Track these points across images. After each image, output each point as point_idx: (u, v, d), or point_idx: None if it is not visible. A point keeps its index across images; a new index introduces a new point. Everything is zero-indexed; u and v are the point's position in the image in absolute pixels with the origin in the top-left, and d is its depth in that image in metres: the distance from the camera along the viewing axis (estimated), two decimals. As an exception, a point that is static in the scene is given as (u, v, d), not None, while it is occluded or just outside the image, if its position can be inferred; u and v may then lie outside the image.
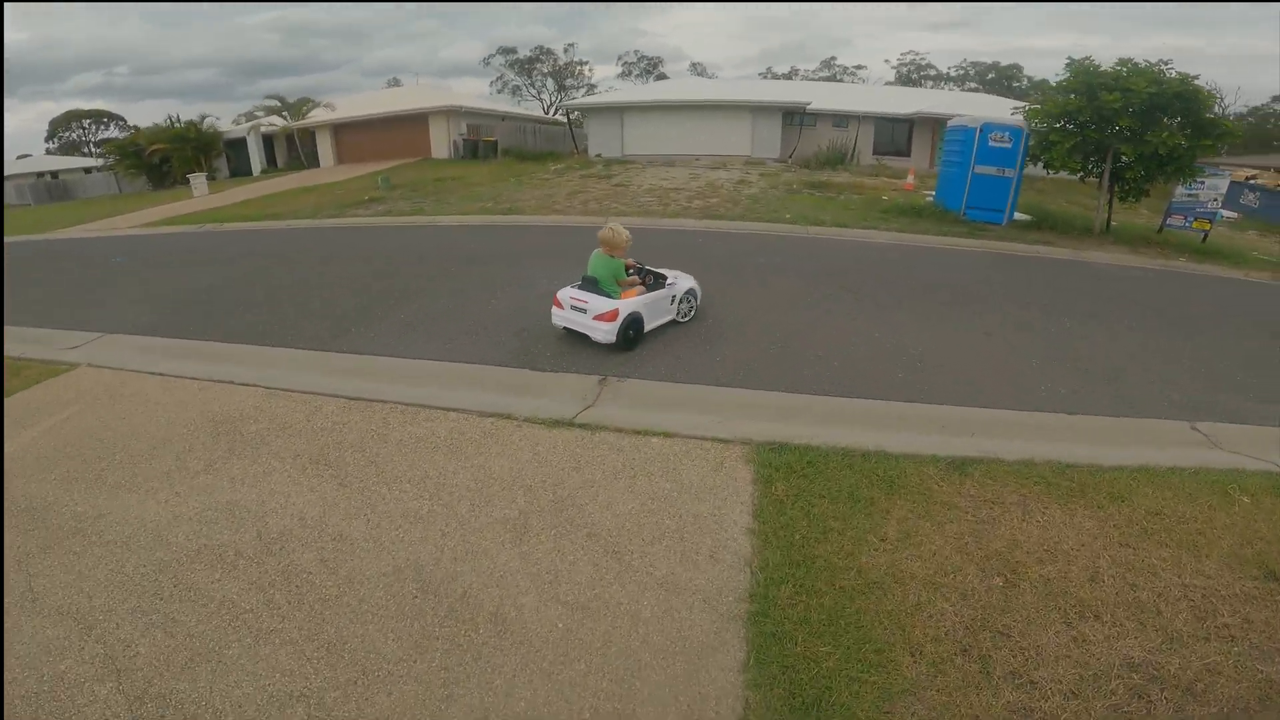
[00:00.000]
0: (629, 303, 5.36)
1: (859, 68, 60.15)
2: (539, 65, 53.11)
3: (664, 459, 3.86)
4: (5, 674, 2.48)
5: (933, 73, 57.60)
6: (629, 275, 5.66)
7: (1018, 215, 12.94)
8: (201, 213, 16.25)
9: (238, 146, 30.69)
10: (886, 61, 72.01)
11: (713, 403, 4.65)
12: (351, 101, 31.90)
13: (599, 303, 5.27)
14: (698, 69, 59.71)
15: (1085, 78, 11.20)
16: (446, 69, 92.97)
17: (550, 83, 53.36)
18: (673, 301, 5.95)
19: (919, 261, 9.33)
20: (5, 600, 2.84)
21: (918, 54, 60.97)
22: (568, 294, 5.48)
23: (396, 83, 55.34)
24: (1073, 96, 11.43)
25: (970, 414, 4.58)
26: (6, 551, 3.15)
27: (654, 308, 5.69)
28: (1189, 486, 3.65)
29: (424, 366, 5.37)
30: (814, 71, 59.60)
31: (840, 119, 25.92)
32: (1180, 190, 12.45)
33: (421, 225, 12.44)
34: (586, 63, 54.90)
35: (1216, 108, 10.69)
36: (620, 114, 24.48)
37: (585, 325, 5.35)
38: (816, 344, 5.80)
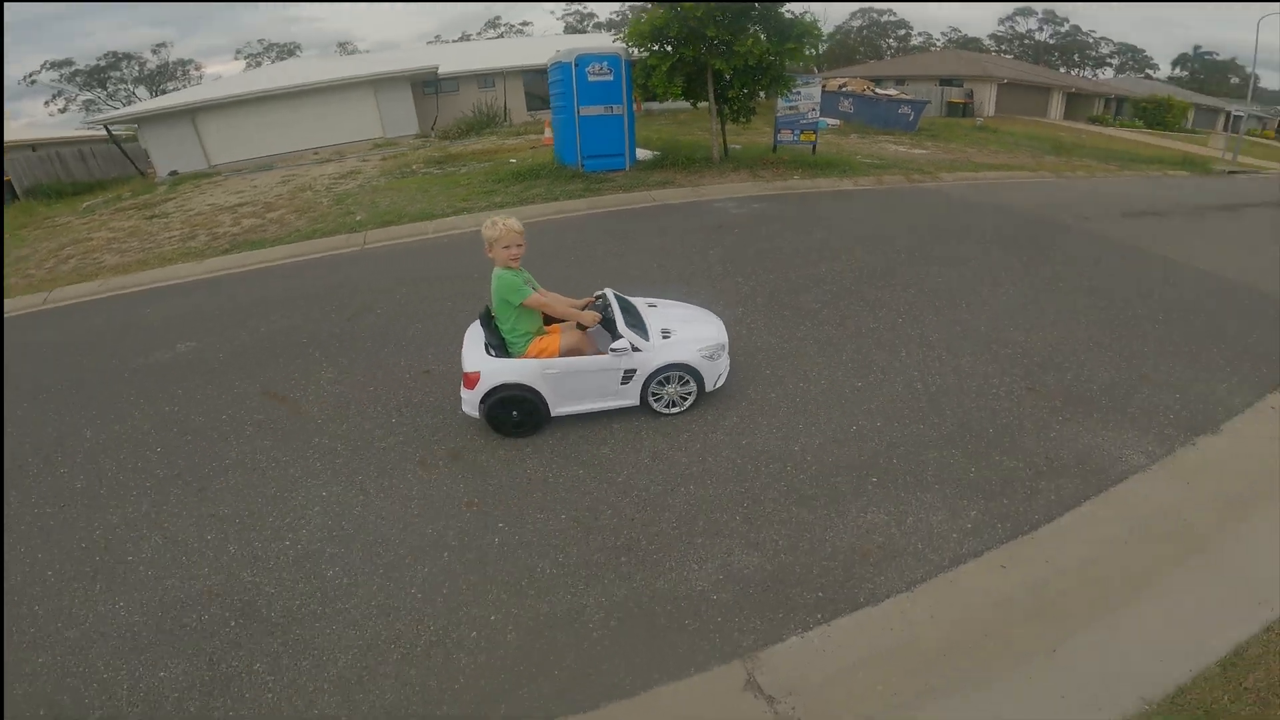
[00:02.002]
0: (506, 366, 3.18)
1: (525, 24, 57.12)
2: (114, 74, 40.10)
3: None
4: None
5: (597, 20, 56.81)
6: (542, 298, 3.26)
7: (641, 154, 11.06)
8: None
9: None
10: (552, 14, 69.72)
11: None
12: None
13: (469, 353, 3.27)
14: (348, 49, 51.19)
15: None
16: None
17: (143, 91, 40.79)
18: (628, 379, 3.33)
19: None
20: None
21: (581, 4, 59.51)
22: (469, 329, 3.48)
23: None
24: (661, 10, 9.65)
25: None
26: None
27: (575, 381, 3.28)
28: None
29: None
30: (478, 34, 55.11)
31: (486, 79, 22.60)
32: (781, 104, 11.71)
33: None
34: (191, 61, 43.34)
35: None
36: (192, 117, 18.07)
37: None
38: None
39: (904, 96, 20.33)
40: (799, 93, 11.63)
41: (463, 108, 19.83)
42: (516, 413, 3.22)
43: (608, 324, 3.27)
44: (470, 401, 3.23)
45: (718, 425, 3.29)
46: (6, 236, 11.74)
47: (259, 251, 7.73)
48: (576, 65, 9.81)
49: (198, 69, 43.35)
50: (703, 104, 10.47)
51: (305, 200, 10.65)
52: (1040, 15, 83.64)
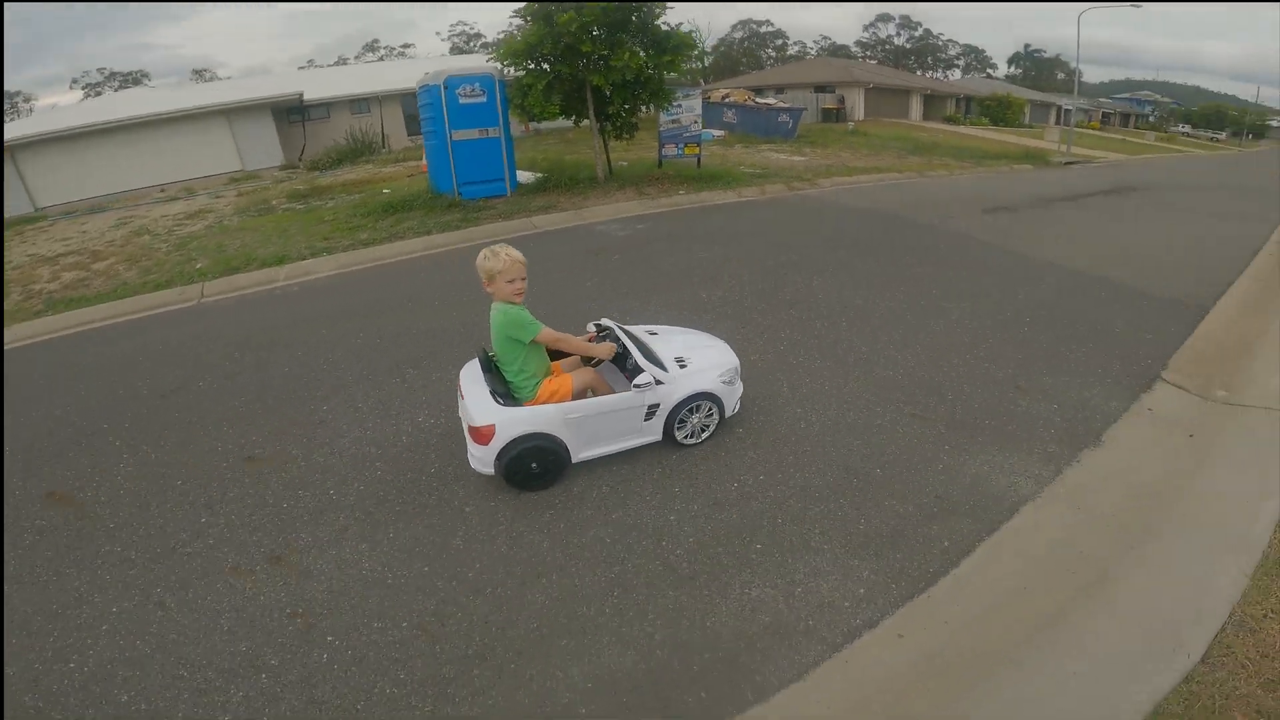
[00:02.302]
0: (525, 415, 2.77)
1: (406, 46, 54.84)
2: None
3: None
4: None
5: (485, 40, 55.43)
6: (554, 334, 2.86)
7: (524, 177, 10.57)
8: None
9: None
10: (438, 34, 67.34)
11: None
12: None
13: (475, 404, 2.78)
14: (205, 76, 47.00)
15: (544, 2, 9.01)
16: None
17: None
18: (651, 415, 2.99)
19: (357, 294, 5.96)
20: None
21: (468, 24, 57.96)
22: (462, 374, 3.02)
23: None
24: (533, 27, 9.23)
25: None
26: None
27: (597, 423, 2.90)
28: None
29: None
30: (356, 58, 52.35)
31: (360, 103, 21.26)
32: (663, 118, 11.61)
33: None
34: (20, 94, 38.21)
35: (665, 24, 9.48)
36: (11, 155, 15.68)
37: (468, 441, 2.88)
38: None
39: (782, 105, 21.08)
40: (680, 105, 11.57)
41: (335, 135, 18.48)
42: (536, 465, 2.85)
43: (616, 359, 3.07)
44: (483, 459, 2.81)
45: (585, 498, 2.88)
46: None
47: (76, 312, 6.52)
48: (446, 88, 9.19)
49: (27, 101, 38.22)
50: (586, 122, 10.15)
51: (140, 246, 9.30)
52: (898, 20, 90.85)
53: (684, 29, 9.63)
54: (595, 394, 2.94)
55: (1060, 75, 77.97)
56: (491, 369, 2.92)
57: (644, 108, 10.68)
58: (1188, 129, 66.10)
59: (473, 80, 9.35)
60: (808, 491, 2.87)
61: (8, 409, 4.21)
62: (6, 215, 14.94)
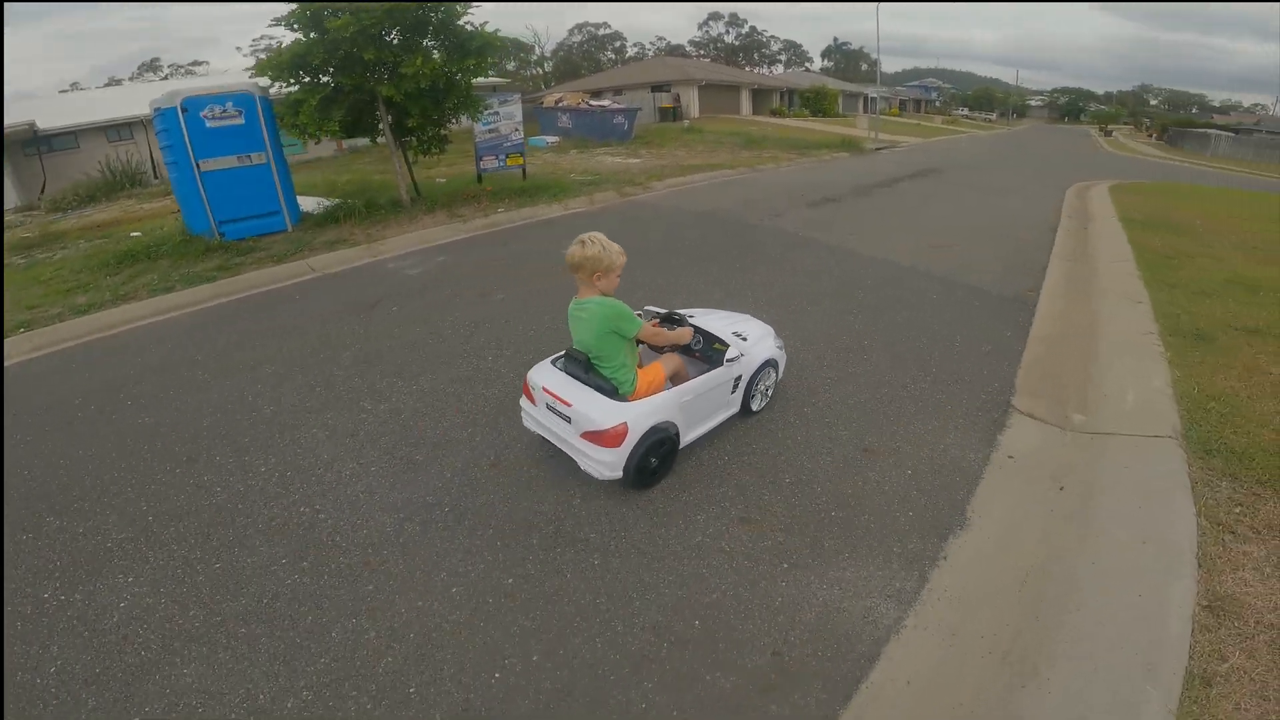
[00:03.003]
0: (649, 406, 2.55)
1: (196, 64, 47.72)
2: None
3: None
4: None
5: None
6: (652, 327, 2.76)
7: (308, 206, 8.75)
8: None
9: None
10: (239, 49, 59.13)
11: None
12: None
13: (591, 406, 2.52)
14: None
15: (312, 6, 7.32)
16: None
17: None
18: (736, 387, 2.99)
19: (41, 396, 4.14)
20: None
21: (272, 39, 51.46)
22: (540, 378, 2.72)
23: None
24: (300, 36, 7.55)
25: None
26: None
27: (701, 403, 2.81)
28: None
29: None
30: (133, 78, 44.73)
31: (121, 129, 17.57)
32: (479, 128, 10.32)
33: None
34: None
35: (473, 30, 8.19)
36: None
37: (567, 444, 2.64)
38: None
39: (617, 106, 20.47)
40: (497, 113, 10.36)
41: (86, 168, 14.97)
42: (655, 459, 2.63)
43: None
44: (614, 463, 2.50)
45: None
46: None
47: None
48: (184, 110, 7.25)
49: None
50: (384, 139, 8.61)
51: None
52: (727, 18, 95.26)
53: (488, 28, 8.40)
54: (680, 378, 2.80)
55: (864, 66, 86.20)
56: (578, 369, 2.64)
57: (455, 118, 9.33)
58: (966, 111, 75.86)
59: (222, 100, 7.49)
60: (606, 665, 1.90)
61: None
62: None
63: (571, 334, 2.68)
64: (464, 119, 9.60)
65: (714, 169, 12.87)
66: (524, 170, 10.76)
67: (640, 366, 2.68)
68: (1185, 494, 2.47)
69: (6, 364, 4.86)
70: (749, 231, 7.32)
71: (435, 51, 8.29)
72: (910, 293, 5.12)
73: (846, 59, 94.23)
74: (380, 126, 8.42)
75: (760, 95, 38.96)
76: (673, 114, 28.60)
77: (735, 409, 3.07)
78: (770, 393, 3.27)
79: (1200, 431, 2.86)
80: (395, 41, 7.94)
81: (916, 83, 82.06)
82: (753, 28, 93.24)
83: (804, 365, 3.79)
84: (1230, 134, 43.28)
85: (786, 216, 8.04)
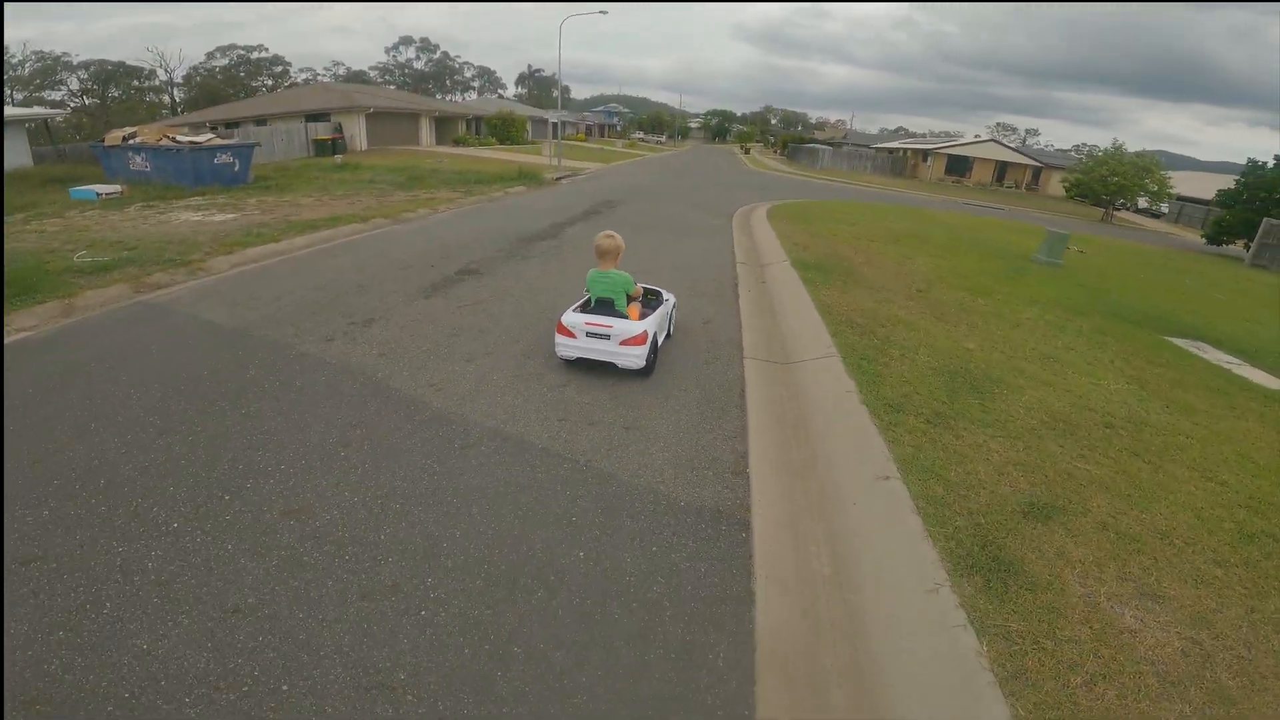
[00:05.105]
0: (649, 322, 4.23)
1: None
2: None
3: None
4: None
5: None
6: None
7: None
8: None
9: None
10: None
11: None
12: None
13: (624, 326, 4.07)
14: None
15: None
16: None
17: None
18: (671, 319, 4.97)
19: None
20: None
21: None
22: (579, 320, 4.10)
23: None
24: None
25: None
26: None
27: (660, 325, 4.54)
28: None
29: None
30: None
31: None
32: None
33: None
34: None
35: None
36: None
37: (609, 353, 4.10)
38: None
39: (224, 142, 14.93)
40: None
41: None
42: (653, 355, 4.19)
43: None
44: (641, 354, 4.01)
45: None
46: None
47: None
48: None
49: None
50: None
51: None
52: (418, 43, 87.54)
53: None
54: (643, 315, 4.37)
55: (554, 92, 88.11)
56: (605, 310, 4.15)
57: None
58: (642, 135, 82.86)
59: None
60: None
61: None
62: None
63: (590, 291, 4.23)
64: None
65: (336, 224, 9.22)
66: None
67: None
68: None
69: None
70: (291, 373, 4.11)
71: None
72: (578, 537, 2.56)
73: (540, 86, 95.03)
74: None
75: (444, 123, 35.37)
76: (332, 147, 23.39)
77: (670, 331, 4.88)
78: (673, 326, 4.99)
79: None
80: None
81: (602, 108, 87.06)
82: (444, 53, 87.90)
83: None
84: (830, 148, 54.26)
85: (378, 325, 5.05)
